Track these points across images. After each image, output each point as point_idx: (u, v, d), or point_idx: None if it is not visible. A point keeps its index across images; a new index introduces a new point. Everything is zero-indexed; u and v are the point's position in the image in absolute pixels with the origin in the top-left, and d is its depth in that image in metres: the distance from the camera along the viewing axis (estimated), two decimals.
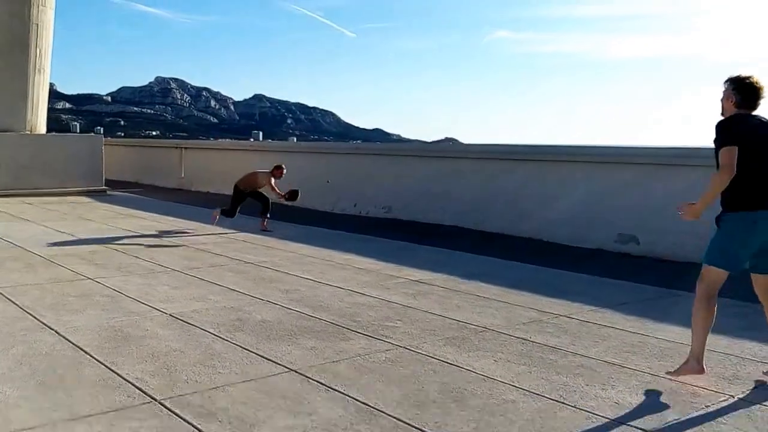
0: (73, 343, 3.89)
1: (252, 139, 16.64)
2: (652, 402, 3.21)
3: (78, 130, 20.07)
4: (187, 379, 3.36)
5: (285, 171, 9.37)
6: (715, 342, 4.21)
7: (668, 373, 3.54)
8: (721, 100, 3.49)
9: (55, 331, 4.14)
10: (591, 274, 6.46)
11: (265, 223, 9.18)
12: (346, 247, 7.69)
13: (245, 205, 9.45)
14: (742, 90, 3.40)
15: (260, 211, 9.28)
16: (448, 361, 3.73)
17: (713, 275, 3.41)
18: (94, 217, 10.25)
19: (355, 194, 11.60)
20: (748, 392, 3.38)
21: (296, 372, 3.50)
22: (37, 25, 14.03)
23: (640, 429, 2.91)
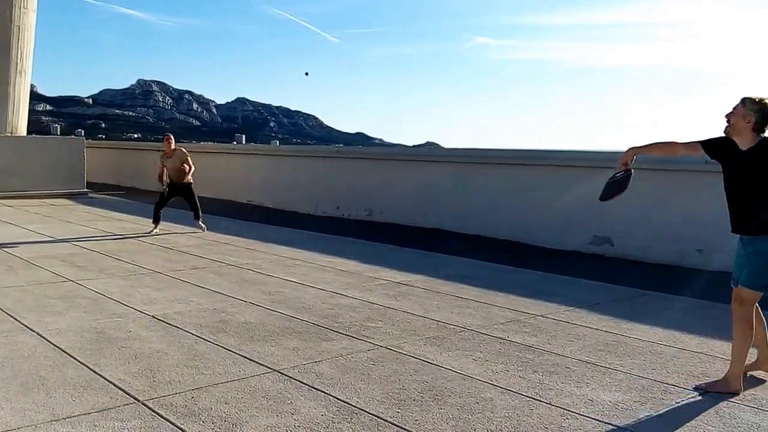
0: (55, 345, 3.89)
1: (235, 143, 16.60)
2: (625, 399, 3.31)
3: (59, 132, 19.84)
4: (170, 380, 3.38)
5: (171, 140, 9.02)
6: (686, 341, 4.36)
7: (697, 386, 3.42)
8: (732, 116, 3.24)
9: (37, 333, 4.13)
10: (567, 275, 6.59)
11: (199, 222, 8.98)
12: (328, 250, 7.73)
13: (224, 206, 9.41)
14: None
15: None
16: (429, 361, 3.80)
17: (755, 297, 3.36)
18: (75, 220, 10.16)
19: (338, 197, 11.65)
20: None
21: (279, 372, 3.55)
22: (19, 27, 13.89)
23: (614, 425, 3.00)
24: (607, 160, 8.47)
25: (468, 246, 8.42)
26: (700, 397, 3.37)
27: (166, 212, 9.21)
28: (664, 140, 3.60)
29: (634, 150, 3.67)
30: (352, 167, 11.96)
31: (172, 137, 9.18)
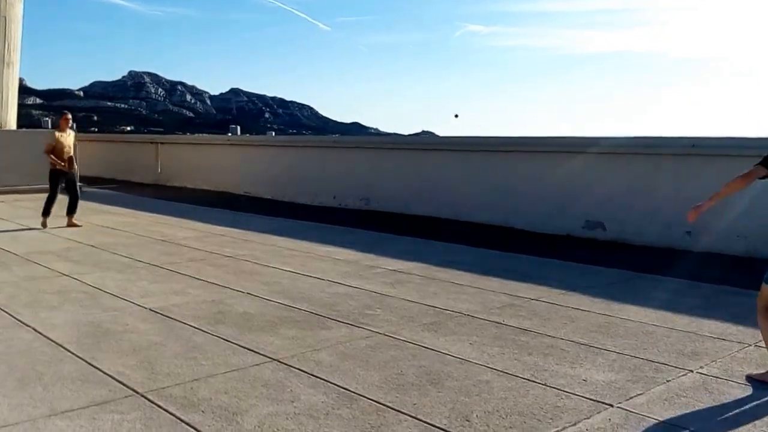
0: (51, 340, 3.90)
1: (230, 134, 16.47)
2: (618, 378, 3.37)
3: (50, 126, 19.67)
4: (168, 372, 3.40)
5: (69, 118, 8.63)
6: (676, 321, 4.43)
7: (748, 376, 3.41)
8: None
9: (33, 329, 4.13)
10: (560, 259, 6.66)
11: (72, 219, 8.56)
12: (325, 239, 7.75)
13: (220, 198, 9.39)
14: None
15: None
16: (426, 346, 3.85)
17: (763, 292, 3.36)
18: None
19: (334, 187, 11.65)
20: (706, 367, 3.56)
21: (278, 361, 3.58)
22: (5, 18, 13.74)
23: (606, 404, 3.06)
24: (596, 145, 8.53)
25: (463, 233, 8.46)
26: (690, 375, 3.43)
27: (157, 204, 9.18)
28: (726, 184, 3.47)
29: (702, 208, 3.55)
30: (348, 157, 11.95)
31: (69, 115, 8.85)
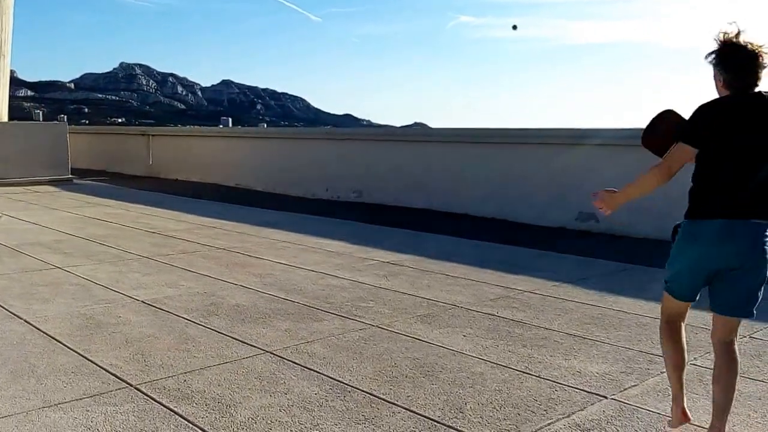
0: (44, 332, 3.88)
1: (221, 126, 16.39)
2: (612, 370, 3.39)
3: (41, 118, 19.53)
4: (161, 364, 3.39)
5: None
6: None
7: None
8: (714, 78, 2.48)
9: (25, 321, 4.11)
10: (553, 251, 6.68)
11: None
12: (318, 231, 7.74)
13: (212, 190, 9.36)
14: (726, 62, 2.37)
15: None
16: (419, 338, 3.85)
17: (665, 302, 2.69)
18: (60, 206, 10.05)
19: (327, 179, 11.62)
20: (699, 359, 3.59)
21: (271, 353, 3.57)
22: None
23: (600, 395, 3.07)
24: (590, 137, 8.55)
25: (456, 225, 8.47)
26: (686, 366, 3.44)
27: (149, 196, 9.14)
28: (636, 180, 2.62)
29: (612, 203, 2.74)
30: (340, 149, 11.92)
31: None
